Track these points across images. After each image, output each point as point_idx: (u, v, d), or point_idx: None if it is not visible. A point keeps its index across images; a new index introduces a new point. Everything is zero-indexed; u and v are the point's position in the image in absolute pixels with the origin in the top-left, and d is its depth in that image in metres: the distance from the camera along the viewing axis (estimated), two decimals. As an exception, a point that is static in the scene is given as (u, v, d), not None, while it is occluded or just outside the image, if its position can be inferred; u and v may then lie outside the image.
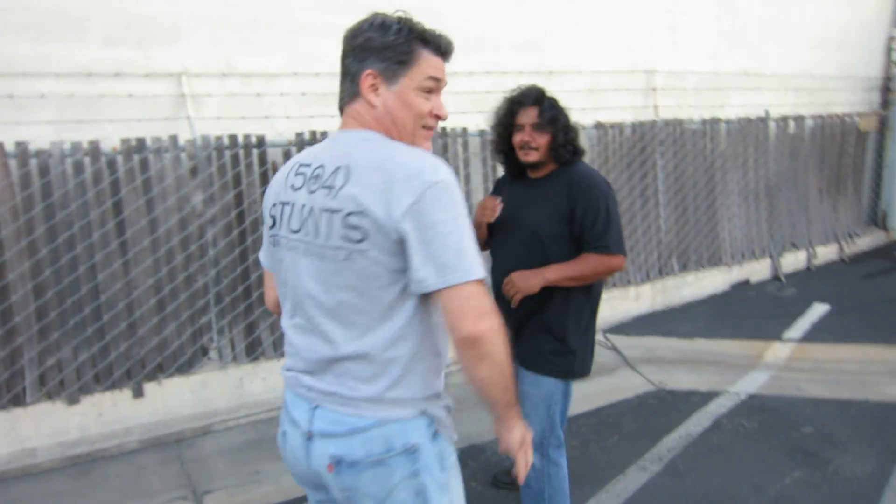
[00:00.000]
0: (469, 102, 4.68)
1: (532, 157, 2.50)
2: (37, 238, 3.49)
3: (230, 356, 4.09)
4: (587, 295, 2.55)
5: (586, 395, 4.27)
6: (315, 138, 4.17)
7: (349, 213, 1.38)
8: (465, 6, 4.88)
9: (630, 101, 5.98)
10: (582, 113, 5.37)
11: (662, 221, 6.04)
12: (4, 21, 3.49)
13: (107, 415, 3.74)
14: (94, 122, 3.67)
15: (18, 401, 3.52)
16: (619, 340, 5.27)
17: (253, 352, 4.13)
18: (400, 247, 1.36)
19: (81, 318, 3.63)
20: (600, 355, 4.96)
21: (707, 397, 4.25)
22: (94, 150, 3.58)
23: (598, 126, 5.47)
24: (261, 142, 4.01)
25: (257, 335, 4.15)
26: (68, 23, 3.63)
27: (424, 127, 1.53)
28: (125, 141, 3.66)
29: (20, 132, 3.50)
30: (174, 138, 3.77)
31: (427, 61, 1.50)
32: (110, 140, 3.66)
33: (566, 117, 2.55)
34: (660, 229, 6.02)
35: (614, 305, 5.62)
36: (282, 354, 4.18)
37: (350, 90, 1.52)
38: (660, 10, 6.16)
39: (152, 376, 3.84)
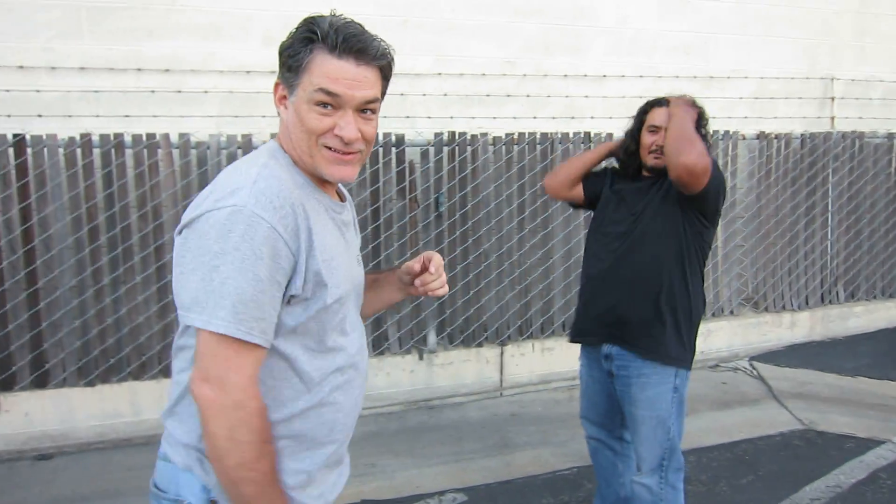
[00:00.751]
0: (619, 107, 4.47)
1: (662, 160, 2.33)
2: (193, 223, 3.77)
3: (357, 348, 4.20)
4: (699, 280, 2.42)
5: (723, 426, 3.96)
6: (454, 139, 4.16)
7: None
8: (620, 5, 4.65)
9: (801, 111, 5.43)
10: (744, 122, 4.96)
11: (830, 244, 5.44)
12: (177, 21, 3.80)
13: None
14: (249, 117, 3.91)
15: (139, 374, 3.84)
16: (766, 370, 4.82)
17: (379, 346, 4.22)
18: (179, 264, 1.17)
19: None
20: (743, 384, 4.57)
21: (865, 445, 3.76)
22: (247, 142, 3.81)
23: (761, 136, 5.01)
24: (399, 141, 4.07)
25: (384, 330, 4.23)
26: (233, 23, 3.88)
27: (326, 147, 1.23)
28: (274, 135, 3.84)
29: (185, 125, 3.80)
30: (319, 135, 3.92)
31: (319, 67, 1.19)
32: (263, 134, 3.88)
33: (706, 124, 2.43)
34: (826, 252, 5.42)
35: (764, 331, 5.14)
36: (407, 351, 4.25)
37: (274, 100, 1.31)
38: (845, 11, 5.52)
39: (285, 360, 4.02)
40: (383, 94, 1.30)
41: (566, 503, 3.19)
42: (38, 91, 3.61)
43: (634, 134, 2.48)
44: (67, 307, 3.62)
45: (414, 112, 4.25)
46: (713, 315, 4.94)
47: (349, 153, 1.23)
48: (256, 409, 1.14)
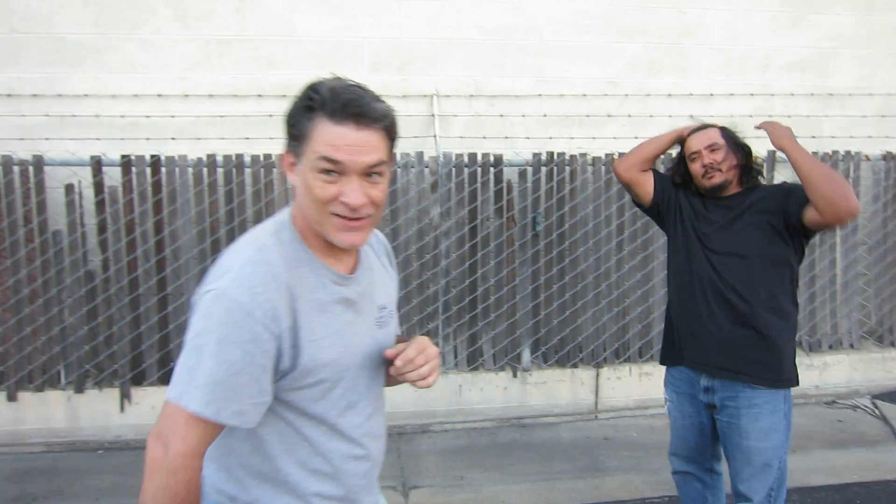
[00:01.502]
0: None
1: (717, 179, 2.39)
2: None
3: (452, 363, 4.31)
4: (794, 297, 2.40)
5: (834, 466, 3.72)
6: (552, 159, 4.20)
7: None
8: (729, 22, 4.51)
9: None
10: (868, 142, 4.64)
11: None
12: (294, 51, 4.11)
13: (342, 399, 4.20)
14: (356, 139, 4.14)
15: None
16: (890, 410, 4.45)
17: (473, 361, 4.31)
18: None
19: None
20: (862, 423, 4.26)
21: None
22: (354, 163, 4.03)
23: (888, 157, 4.67)
24: (498, 161, 4.16)
25: (479, 346, 4.31)
26: (345, 51, 4.14)
27: (334, 214, 1.22)
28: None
29: (299, 145, 4.08)
30: (420, 155, 4.09)
31: (321, 134, 1.18)
32: (368, 155, 4.09)
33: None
34: (967, 283, 4.94)
35: (890, 367, 4.75)
36: (501, 368, 4.30)
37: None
38: None
39: (382, 370, 4.20)
40: (391, 154, 1.27)
41: (653, 532, 3.12)
42: (172, 116, 4.02)
43: (680, 169, 2.54)
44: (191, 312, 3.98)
45: (514, 133, 4.33)
46: (830, 347, 4.63)
47: (357, 219, 1.22)
48: (185, 480, 1.17)
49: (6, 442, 3.91)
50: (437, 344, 4.24)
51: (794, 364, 2.37)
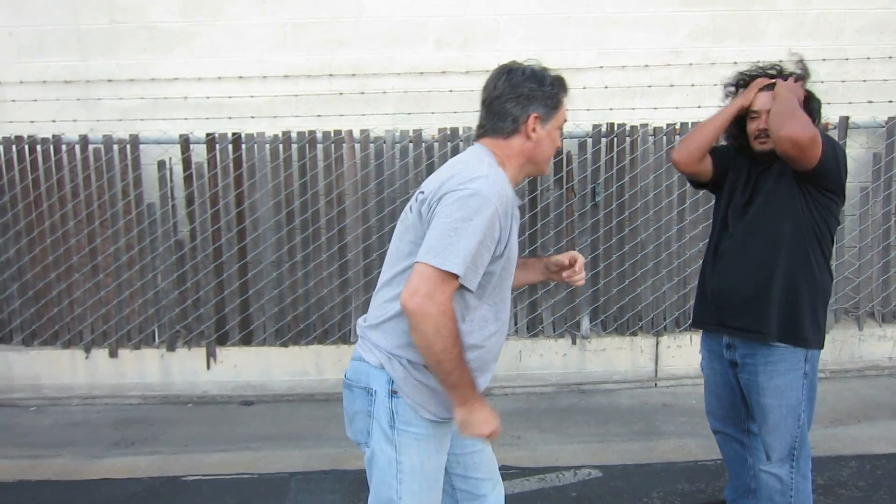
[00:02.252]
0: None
1: (768, 145, 2.29)
2: (368, 209, 4.29)
3: (513, 329, 4.46)
4: (825, 257, 2.35)
5: (897, 434, 3.64)
6: (612, 130, 4.25)
7: (419, 193, 1.77)
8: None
9: None
10: (952, 105, 4.43)
11: None
12: (364, 31, 4.33)
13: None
14: (421, 114, 4.33)
15: (345, 339, 4.39)
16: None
17: (533, 328, 4.44)
18: (428, 224, 1.67)
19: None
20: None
21: None
22: (417, 137, 4.23)
23: (976, 121, 4.44)
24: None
25: (539, 314, 4.44)
26: (409, 30, 4.33)
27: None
28: (441, 130, 4.24)
29: (367, 122, 4.32)
30: (481, 128, 4.23)
31: (564, 106, 1.86)
32: (432, 129, 4.28)
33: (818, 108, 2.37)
34: None
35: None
36: (560, 335, 4.41)
37: (510, 128, 1.78)
38: None
39: (446, 336, 4.40)
40: None
41: (702, 490, 3.18)
42: (252, 97, 4.32)
43: (739, 121, 2.43)
44: (268, 278, 4.30)
45: (574, 105, 4.35)
46: (906, 318, 4.49)
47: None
48: (452, 317, 1.62)
49: (109, 394, 4.37)
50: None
51: (818, 326, 2.34)
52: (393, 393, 1.75)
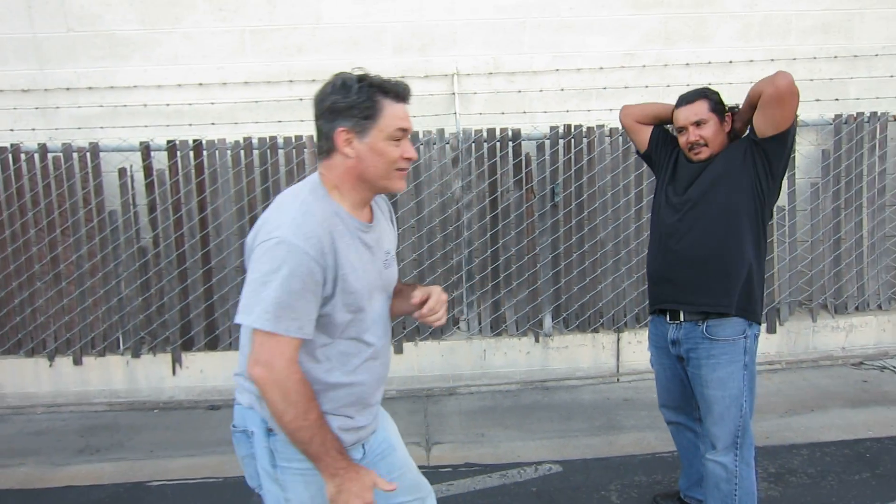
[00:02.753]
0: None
1: (703, 154, 2.46)
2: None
3: (477, 329, 4.53)
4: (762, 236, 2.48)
5: (850, 423, 3.77)
6: (569, 132, 4.34)
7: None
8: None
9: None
10: (896, 103, 4.60)
11: None
12: (322, 38, 4.37)
13: (374, 363, 4.47)
14: (381, 118, 4.38)
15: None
16: (920, 372, 4.44)
17: (497, 327, 4.51)
18: None
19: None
20: (888, 384, 4.28)
21: None
22: (378, 141, 4.28)
23: (919, 118, 4.60)
24: (516, 135, 4.33)
25: (502, 313, 4.51)
26: (367, 35, 4.39)
27: (398, 169, 1.66)
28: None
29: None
30: (441, 132, 4.30)
31: (391, 112, 1.62)
32: (392, 133, 4.33)
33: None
34: None
35: (923, 330, 4.71)
36: (523, 333, 4.49)
37: (325, 147, 1.65)
38: None
39: (410, 337, 4.46)
40: None
41: (658, 482, 3.27)
42: (212, 103, 4.35)
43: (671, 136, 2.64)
44: (232, 283, 4.32)
45: (532, 108, 4.48)
46: (857, 309, 4.63)
47: (405, 170, 1.70)
48: (298, 380, 1.54)
49: (73, 401, 4.37)
50: (461, 311, 4.48)
51: (752, 301, 2.44)
52: (269, 431, 1.67)
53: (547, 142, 4.37)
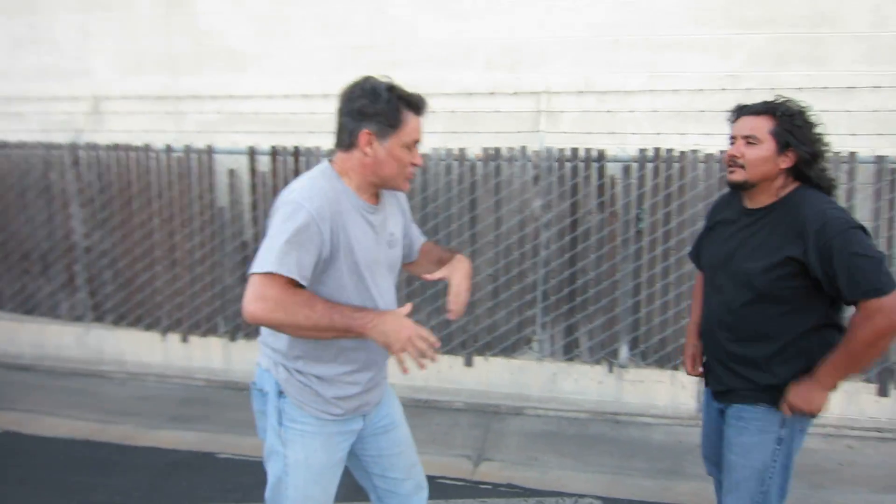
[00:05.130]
0: (869, 122, 3.95)
1: (737, 175, 2.10)
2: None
3: (548, 351, 4.44)
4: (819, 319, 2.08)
5: None
6: (658, 155, 4.14)
7: None
8: (878, 6, 4.03)
9: None
10: None
11: None
12: (417, 54, 4.53)
13: (444, 374, 4.55)
14: (467, 134, 4.46)
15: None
16: None
17: (569, 352, 4.40)
18: None
19: (435, 291, 4.49)
20: None
21: None
22: (461, 155, 4.36)
23: None
24: (601, 156, 4.20)
25: (575, 337, 4.39)
26: (460, 52, 4.48)
27: (406, 173, 1.89)
28: (485, 149, 4.34)
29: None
30: (523, 149, 4.28)
31: (412, 124, 1.85)
32: (475, 148, 4.39)
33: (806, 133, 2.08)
34: None
35: None
36: (596, 361, 4.34)
37: (346, 141, 1.87)
38: None
39: (481, 351, 4.48)
40: None
41: (696, 537, 3.04)
42: (312, 113, 4.66)
43: None
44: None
45: (623, 129, 4.32)
46: None
47: (413, 174, 1.95)
48: (291, 293, 1.69)
49: (178, 374, 4.88)
50: (534, 332, 4.43)
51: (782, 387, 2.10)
52: (280, 393, 1.90)
53: (634, 165, 4.20)
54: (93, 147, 4.84)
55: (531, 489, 3.49)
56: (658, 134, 4.24)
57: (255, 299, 1.67)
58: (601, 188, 4.25)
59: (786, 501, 2.21)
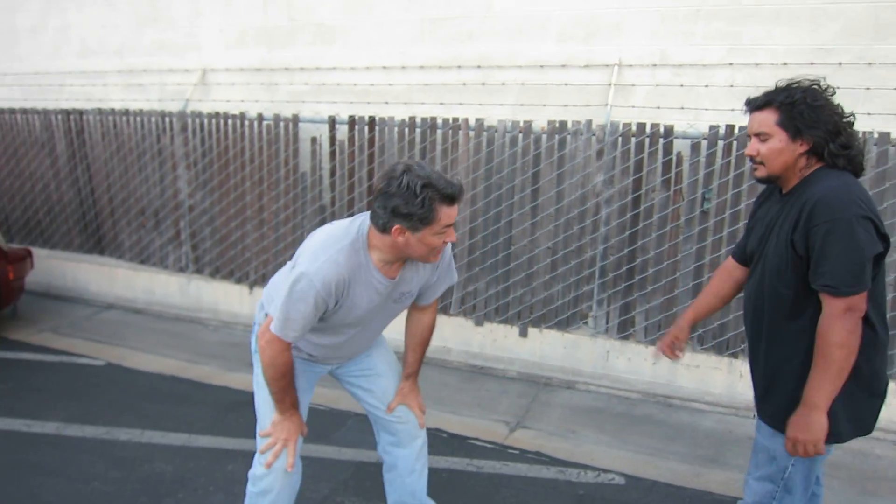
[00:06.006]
0: None
1: (759, 172, 2.04)
2: (477, 192, 4.56)
3: (603, 328, 4.39)
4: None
5: None
6: (732, 133, 3.93)
7: None
8: None
9: None
10: None
11: None
12: (491, 26, 4.58)
13: (499, 342, 4.63)
14: (535, 107, 4.47)
15: (445, 310, 4.74)
16: None
17: (624, 330, 4.32)
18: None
19: (495, 261, 4.57)
20: None
21: None
22: (527, 128, 4.38)
23: None
24: (668, 132, 4.06)
25: (631, 316, 4.31)
26: (533, 24, 4.47)
27: (435, 251, 2.04)
28: (551, 122, 4.33)
29: (489, 112, 4.59)
30: (589, 123, 4.22)
31: (445, 215, 1.94)
32: (542, 121, 4.39)
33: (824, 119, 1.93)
34: None
35: None
36: (651, 342, 4.24)
37: (380, 225, 1.98)
38: None
39: (536, 323, 4.51)
40: None
41: (712, 523, 2.94)
42: (390, 84, 4.87)
43: None
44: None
45: (696, 104, 4.15)
46: None
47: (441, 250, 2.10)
48: (283, 360, 2.11)
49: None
50: (590, 307, 4.40)
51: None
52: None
53: (704, 142, 4.02)
54: (197, 115, 5.34)
55: (558, 459, 3.52)
56: (733, 110, 4.02)
57: (266, 340, 2.08)
58: (667, 165, 4.11)
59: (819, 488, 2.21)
